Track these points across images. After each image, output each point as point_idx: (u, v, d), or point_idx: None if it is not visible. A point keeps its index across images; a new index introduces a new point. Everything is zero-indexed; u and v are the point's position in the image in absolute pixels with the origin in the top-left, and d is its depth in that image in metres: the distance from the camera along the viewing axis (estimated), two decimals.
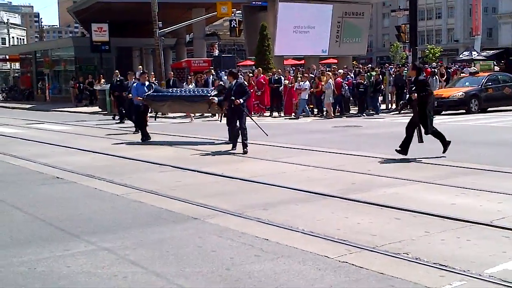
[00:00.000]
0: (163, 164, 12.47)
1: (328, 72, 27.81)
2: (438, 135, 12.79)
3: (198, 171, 11.61)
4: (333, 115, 25.38)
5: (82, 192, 9.83)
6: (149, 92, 17.60)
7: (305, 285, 5.21)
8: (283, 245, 6.35)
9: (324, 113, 26.00)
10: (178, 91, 19.16)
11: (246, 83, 19.21)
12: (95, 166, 12.72)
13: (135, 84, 18.95)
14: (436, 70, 30.82)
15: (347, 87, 26.10)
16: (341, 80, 26.11)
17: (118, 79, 25.52)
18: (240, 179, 10.61)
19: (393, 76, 28.89)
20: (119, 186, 10.26)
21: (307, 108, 26.17)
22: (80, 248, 6.52)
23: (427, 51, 75.56)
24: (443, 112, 23.99)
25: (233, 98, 14.30)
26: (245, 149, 14.05)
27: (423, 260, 5.74)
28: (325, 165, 11.96)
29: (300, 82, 25.84)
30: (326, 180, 10.40)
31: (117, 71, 27.10)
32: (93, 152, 15.00)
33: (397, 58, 73.67)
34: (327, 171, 11.37)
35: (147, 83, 18.51)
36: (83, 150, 15.39)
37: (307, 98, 25.89)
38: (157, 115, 23.94)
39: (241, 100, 14.34)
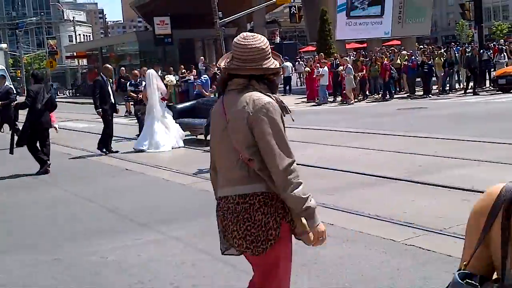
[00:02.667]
0: None
1: (345, 57, 27.41)
2: None
3: None
4: (353, 99, 24.93)
5: (151, 183, 10.06)
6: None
7: (371, 269, 5.20)
8: (349, 229, 6.35)
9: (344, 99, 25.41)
10: None
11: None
12: (161, 157, 12.99)
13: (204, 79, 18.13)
14: (504, 47, 29.85)
15: (394, 70, 25.57)
16: (388, 63, 25.60)
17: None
18: (305, 165, 10.61)
19: (467, 56, 27.23)
20: (186, 176, 10.45)
21: (326, 93, 25.84)
22: (150, 237, 6.70)
23: (494, 28, 73.26)
24: None
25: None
26: None
27: None
28: (390, 148, 11.83)
29: (319, 68, 25.60)
30: (391, 163, 10.29)
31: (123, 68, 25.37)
32: None
33: (463, 36, 71.79)
34: (392, 154, 11.24)
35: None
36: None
37: (326, 83, 25.61)
38: None
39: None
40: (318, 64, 26.40)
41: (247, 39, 3.17)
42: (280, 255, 3.22)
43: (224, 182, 3.22)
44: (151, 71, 15.17)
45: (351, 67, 24.97)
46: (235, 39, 3.24)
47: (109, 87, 14.06)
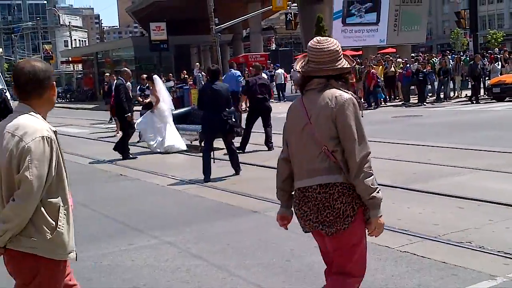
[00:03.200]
0: (222, 159, 12.59)
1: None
2: None
3: (257, 165, 11.68)
4: None
5: (145, 189, 10.05)
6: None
7: (366, 275, 5.17)
8: None
9: None
10: None
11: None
12: (156, 163, 12.96)
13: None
14: (499, 55, 29.96)
15: (380, 78, 25.56)
16: (374, 71, 25.59)
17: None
18: None
19: (470, 64, 26.98)
20: (181, 181, 10.43)
21: None
22: (144, 242, 6.68)
23: (489, 36, 73.53)
24: (507, 99, 23.29)
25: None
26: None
27: (487, 248, 5.65)
28: (385, 155, 11.82)
29: None
30: (386, 171, 10.28)
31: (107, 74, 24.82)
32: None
33: (458, 45, 72.00)
34: (387, 161, 11.24)
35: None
36: (144, 147, 15.69)
37: None
38: None
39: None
40: None
41: (321, 43, 3.49)
42: (356, 237, 3.48)
43: (303, 174, 3.51)
44: (156, 77, 15.42)
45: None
46: (310, 43, 3.53)
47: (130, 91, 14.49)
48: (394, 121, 19.57)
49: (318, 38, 3.54)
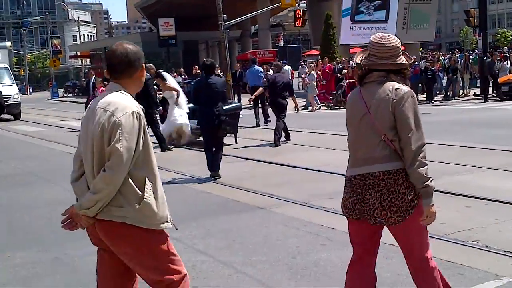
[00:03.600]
0: (229, 155, 12.60)
1: (310, 63, 27.30)
2: None
3: (264, 161, 11.68)
4: (317, 106, 24.80)
5: None
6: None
7: None
8: None
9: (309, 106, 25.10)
10: None
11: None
12: (162, 158, 12.97)
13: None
14: (508, 54, 29.82)
15: None
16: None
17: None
18: (305, 169, 10.61)
19: (487, 62, 26.69)
20: (187, 177, 10.44)
21: (316, 98, 25.46)
22: None
23: (498, 35, 73.22)
24: None
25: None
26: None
27: (493, 248, 5.62)
28: None
29: (312, 72, 25.40)
30: None
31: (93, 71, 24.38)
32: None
33: (467, 43, 71.76)
34: None
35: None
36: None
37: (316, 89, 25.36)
38: None
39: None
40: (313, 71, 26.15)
41: (383, 39, 3.71)
42: (419, 220, 3.65)
43: (361, 161, 3.71)
44: (165, 72, 15.80)
45: (314, 73, 24.84)
46: (372, 39, 3.75)
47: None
48: None
49: (380, 34, 3.77)
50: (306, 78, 25.12)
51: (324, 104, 26.07)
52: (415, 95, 3.67)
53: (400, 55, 3.72)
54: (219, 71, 26.35)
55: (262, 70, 21.97)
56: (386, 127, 3.59)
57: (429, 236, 6.06)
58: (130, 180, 3.33)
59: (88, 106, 3.56)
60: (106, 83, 17.16)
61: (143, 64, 3.57)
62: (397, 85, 3.63)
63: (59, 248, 6.43)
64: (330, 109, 24.97)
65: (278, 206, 7.88)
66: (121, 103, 3.35)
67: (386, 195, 3.59)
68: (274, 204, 7.98)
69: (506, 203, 7.29)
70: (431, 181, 3.57)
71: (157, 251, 3.46)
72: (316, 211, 7.53)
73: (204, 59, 10.41)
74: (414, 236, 3.75)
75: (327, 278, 5.20)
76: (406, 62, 3.74)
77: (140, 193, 3.34)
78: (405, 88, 3.63)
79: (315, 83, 24.76)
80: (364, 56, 3.76)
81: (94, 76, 20.80)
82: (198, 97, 10.36)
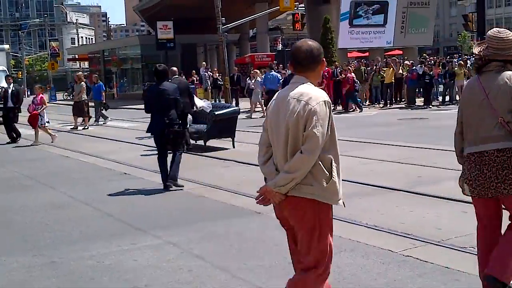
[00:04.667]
0: (227, 159, 12.59)
1: (256, 70, 27.48)
2: None
3: None
4: (254, 111, 24.92)
5: (149, 188, 10.03)
6: None
7: (368, 279, 5.17)
8: (346, 239, 6.32)
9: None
10: None
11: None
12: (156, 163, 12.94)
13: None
14: None
15: (357, 83, 25.34)
16: (353, 76, 25.26)
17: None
18: None
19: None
20: (184, 181, 10.41)
21: None
22: (147, 242, 6.67)
23: None
24: None
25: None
26: None
27: None
28: (390, 158, 11.82)
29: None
30: (391, 174, 10.27)
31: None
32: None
33: (465, 47, 71.80)
34: (392, 164, 11.23)
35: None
36: (148, 146, 15.69)
37: None
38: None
39: None
40: None
41: (501, 33, 4.26)
42: None
43: (476, 140, 4.26)
44: None
45: (259, 79, 24.87)
46: (490, 33, 4.30)
47: None
48: (400, 123, 19.53)
49: (497, 29, 4.33)
50: (252, 84, 25.28)
51: None
52: None
53: None
54: (217, 74, 26.34)
55: (280, 77, 22.98)
56: (504, 111, 4.12)
57: (427, 242, 6.11)
58: (319, 161, 3.68)
59: (275, 96, 3.95)
60: (42, 88, 17.84)
61: (323, 59, 3.87)
62: None
63: (55, 252, 6.41)
64: None
65: None
66: (313, 93, 3.71)
67: (501, 170, 4.13)
68: (271, 209, 7.93)
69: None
70: None
71: (330, 226, 3.91)
72: None
73: (156, 64, 9.97)
74: None
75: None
76: None
77: (328, 173, 3.72)
78: None
79: (259, 90, 24.82)
80: (482, 48, 4.29)
81: (79, 81, 21.32)
82: (149, 104, 9.89)
